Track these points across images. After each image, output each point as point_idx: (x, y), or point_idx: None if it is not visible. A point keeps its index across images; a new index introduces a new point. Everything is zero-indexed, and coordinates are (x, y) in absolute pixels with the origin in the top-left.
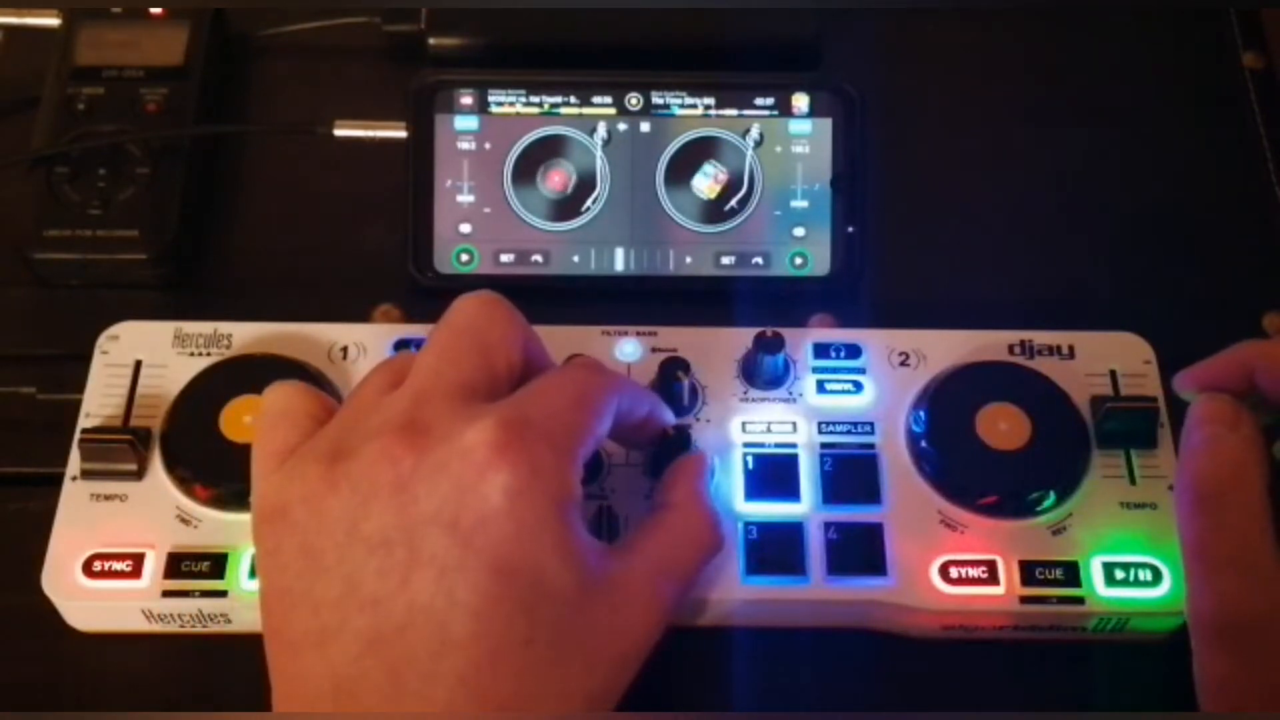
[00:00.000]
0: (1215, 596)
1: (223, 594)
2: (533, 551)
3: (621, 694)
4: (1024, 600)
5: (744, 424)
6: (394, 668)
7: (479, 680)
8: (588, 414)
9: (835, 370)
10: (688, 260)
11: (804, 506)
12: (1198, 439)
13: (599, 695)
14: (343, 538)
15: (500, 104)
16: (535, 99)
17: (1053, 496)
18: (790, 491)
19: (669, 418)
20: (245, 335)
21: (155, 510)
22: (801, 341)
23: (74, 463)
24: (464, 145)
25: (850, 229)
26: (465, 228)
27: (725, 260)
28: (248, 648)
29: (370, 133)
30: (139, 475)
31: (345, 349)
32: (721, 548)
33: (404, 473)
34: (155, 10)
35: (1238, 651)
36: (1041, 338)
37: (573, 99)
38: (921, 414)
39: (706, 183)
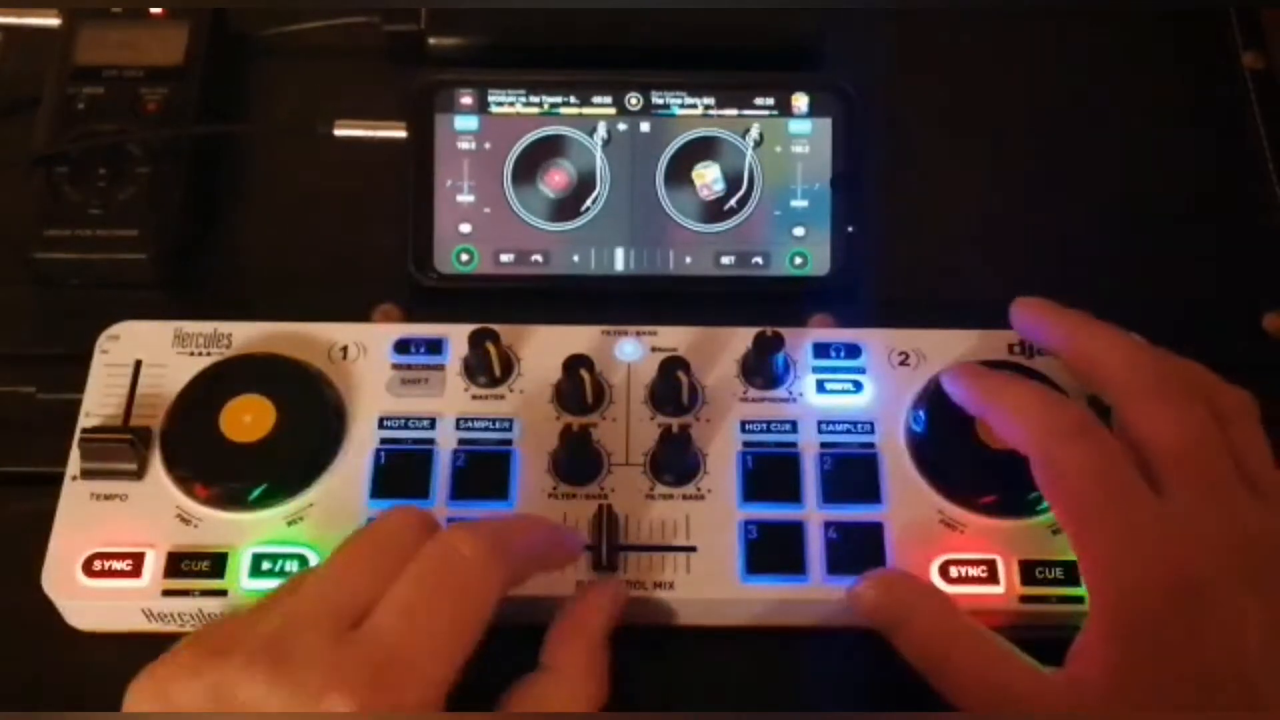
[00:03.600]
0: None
1: (223, 593)
2: None
3: None
4: (1024, 600)
5: (744, 424)
6: None
7: None
8: (456, 648)
9: (835, 370)
10: (688, 260)
11: (804, 506)
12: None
13: None
14: None
15: (500, 104)
16: (535, 99)
17: None
18: (790, 491)
19: (571, 541)
20: (245, 335)
21: (155, 510)
22: (801, 341)
23: (74, 462)
24: (464, 145)
25: (850, 229)
26: (465, 228)
27: (725, 260)
28: None
29: (370, 133)
30: (139, 475)
31: (345, 349)
32: (604, 703)
33: (246, 696)
34: (155, 10)
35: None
36: None
37: (573, 99)
38: (921, 414)
39: (706, 183)
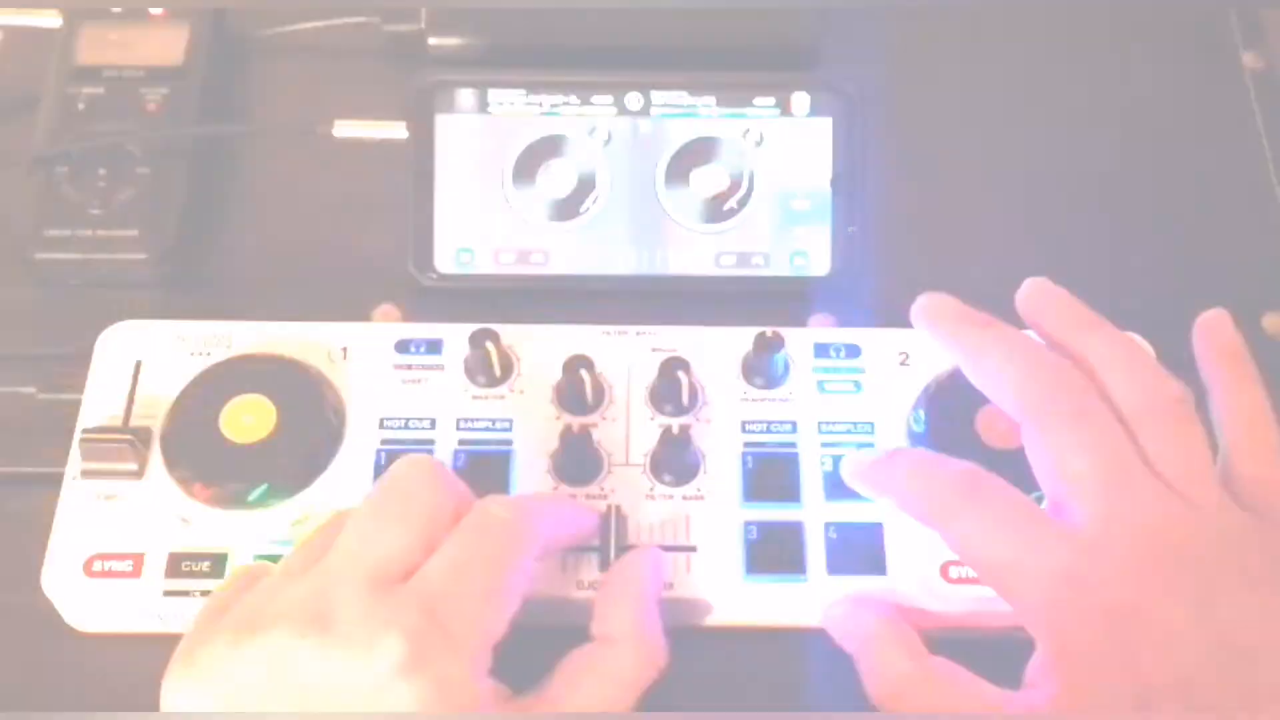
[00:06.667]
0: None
1: None
2: None
3: None
4: None
5: (744, 424)
6: None
7: None
8: (499, 603)
9: (835, 370)
10: (688, 260)
11: (804, 506)
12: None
13: None
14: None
15: (500, 104)
16: (535, 99)
17: None
18: (790, 491)
19: (588, 516)
20: (245, 335)
21: (155, 510)
22: (801, 341)
23: (74, 463)
24: (464, 145)
25: (850, 229)
26: (465, 228)
27: (725, 260)
28: None
29: (370, 133)
30: (139, 475)
31: (345, 349)
32: (664, 663)
33: (302, 667)
34: (155, 10)
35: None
36: None
37: (573, 99)
38: (921, 414)
39: (706, 183)
